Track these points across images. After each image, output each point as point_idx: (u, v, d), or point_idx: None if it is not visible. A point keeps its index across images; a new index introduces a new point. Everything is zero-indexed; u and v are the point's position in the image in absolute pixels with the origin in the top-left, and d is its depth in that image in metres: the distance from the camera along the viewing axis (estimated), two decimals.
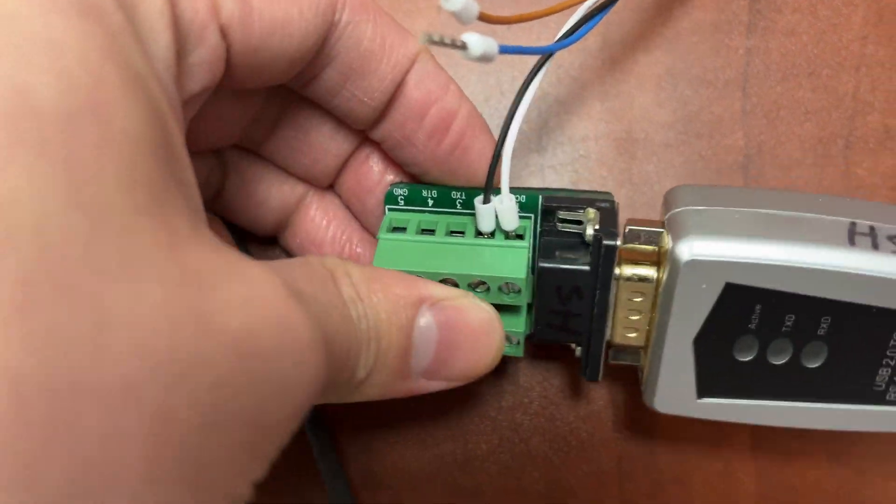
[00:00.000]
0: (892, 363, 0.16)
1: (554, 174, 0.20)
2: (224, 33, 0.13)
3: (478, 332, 0.15)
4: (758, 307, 0.16)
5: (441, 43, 0.13)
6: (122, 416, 0.08)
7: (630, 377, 0.20)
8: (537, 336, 0.18)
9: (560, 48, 0.17)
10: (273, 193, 0.18)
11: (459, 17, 0.14)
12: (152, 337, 0.09)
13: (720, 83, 0.21)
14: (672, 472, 0.20)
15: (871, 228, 0.16)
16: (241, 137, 0.18)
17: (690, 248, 0.15)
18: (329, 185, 0.19)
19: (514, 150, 0.17)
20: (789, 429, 0.20)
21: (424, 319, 0.14)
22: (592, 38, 0.21)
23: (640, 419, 0.20)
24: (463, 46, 0.13)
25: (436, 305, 0.15)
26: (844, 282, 0.15)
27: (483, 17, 0.15)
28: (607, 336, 0.17)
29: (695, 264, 0.15)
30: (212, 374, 0.09)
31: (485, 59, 0.14)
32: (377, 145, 0.18)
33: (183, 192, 0.11)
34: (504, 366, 0.20)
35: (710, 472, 0.20)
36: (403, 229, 0.17)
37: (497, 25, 0.16)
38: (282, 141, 0.18)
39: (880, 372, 0.16)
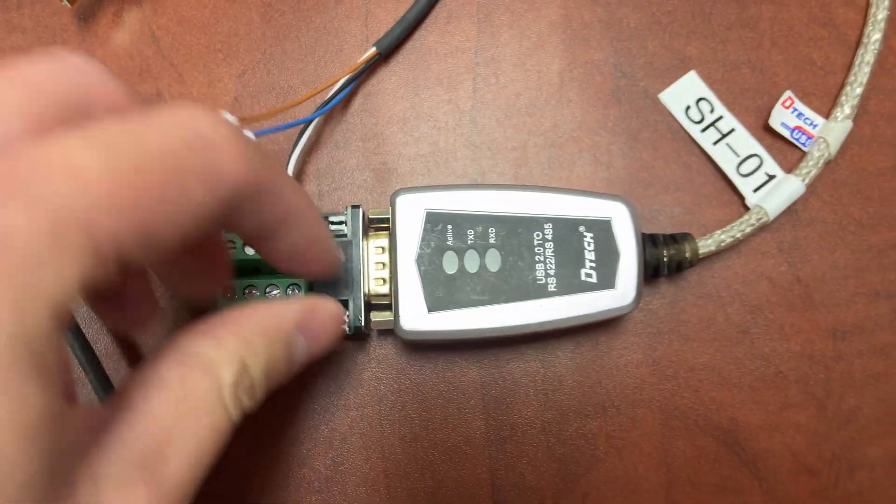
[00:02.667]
0: (543, 259, 0.23)
1: (329, 198, 0.27)
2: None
3: (336, 318, 0.21)
4: (449, 226, 0.24)
5: None
6: None
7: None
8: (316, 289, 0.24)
9: (314, 118, 0.25)
10: None
11: None
12: None
13: (452, 123, 0.27)
14: (422, 435, 0.26)
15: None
16: None
17: (399, 194, 0.24)
18: None
19: (299, 180, 0.25)
20: (510, 382, 0.26)
21: (297, 341, 0.19)
22: (355, 96, 0.27)
23: (372, 397, 0.26)
24: None
25: (300, 324, 0.19)
26: (491, 199, 0.24)
27: (242, 120, 0.22)
28: (364, 289, 0.24)
29: (404, 199, 0.24)
30: None
31: None
32: None
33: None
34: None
35: (448, 444, 0.26)
36: None
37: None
38: None
39: (538, 268, 0.23)
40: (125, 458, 0.14)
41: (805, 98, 0.27)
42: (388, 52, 0.27)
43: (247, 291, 0.24)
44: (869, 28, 0.27)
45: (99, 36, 0.28)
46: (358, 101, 0.27)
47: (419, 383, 0.26)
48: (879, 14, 0.27)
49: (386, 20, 0.28)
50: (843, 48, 0.27)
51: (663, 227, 0.26)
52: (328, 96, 0.26)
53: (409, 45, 0.27)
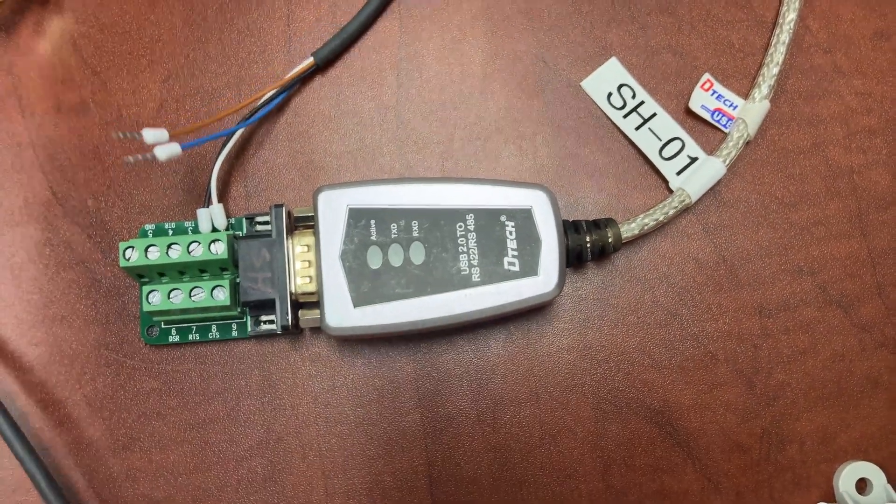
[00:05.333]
0: (466, 250, 0.24)
1: (257, 198, 0.27)
2: None
3: None
4: (372, 221, 0.24)
5: (137, 161, 0.22)
6: None
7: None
8: (242, 298, 0.24)
9: (240, 128, 0.25)
10: None
11: (157, 143, 0.22)
12: None
13: (377, 119, 0.27)
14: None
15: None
16: None
17: (322, 190, 0.24)
18: None
19: (226, 182, 0.26)
20: (444, 374, 0.26)
21: None
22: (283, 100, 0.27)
23: (307, 395, 0.27)
24: (154, 158, 0.22)
25: None
26: (413, 192, 0.24)
27: (172, 135, 0.23)
28: (291, 287, 0.24)
29: (326, 195, 0.24)
30: None
31: (171, 159, 0.22)
32: None
33: None
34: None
35: (385, 439, 0.26)
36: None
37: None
38: None
39: (461, 259, 0.24)
40: None
41: (725, 80, 0.27)
42: (325, 63, 0.27)
43: (171, 294, 0.24)
44: (784, 8, 0.27)
45: (21, 47, 0.27)
46: (283, 101, 0.27)
47: (354, 379, 0.26)
48: None
49: (308, 20, 0.28)
50: (761, 29, 0.28)
51: (589, 214, 0.26)
52: (257, 105, 0.26)
53: None
